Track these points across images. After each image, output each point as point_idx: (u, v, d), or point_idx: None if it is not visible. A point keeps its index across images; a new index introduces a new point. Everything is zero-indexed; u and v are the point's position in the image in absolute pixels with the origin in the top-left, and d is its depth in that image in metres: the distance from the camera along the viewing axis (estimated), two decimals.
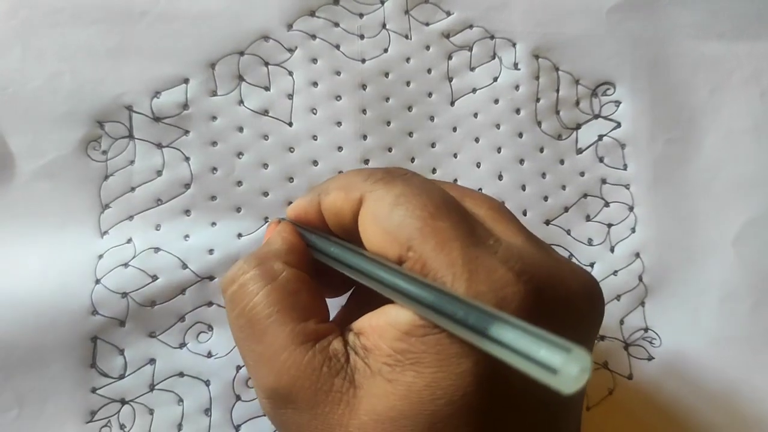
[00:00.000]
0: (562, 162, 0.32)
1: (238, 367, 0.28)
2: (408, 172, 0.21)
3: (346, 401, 0.18)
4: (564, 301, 0.19)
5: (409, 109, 0.31)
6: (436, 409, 0.17)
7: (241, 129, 0.30)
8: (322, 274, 0.23)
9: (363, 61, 0.31)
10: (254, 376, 0.20)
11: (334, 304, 0.24)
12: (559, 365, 0.13)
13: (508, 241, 0.19)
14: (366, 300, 0.23)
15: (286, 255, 0.22)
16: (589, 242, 0.32)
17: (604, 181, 0.32)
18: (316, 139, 0.30)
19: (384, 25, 0.31)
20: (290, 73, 0.30)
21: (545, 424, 0.19)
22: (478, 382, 0.17)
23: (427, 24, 0.32)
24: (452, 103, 0.32)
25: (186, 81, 0.29)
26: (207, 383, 0.28)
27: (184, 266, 0.28)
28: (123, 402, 0.27)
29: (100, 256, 0.28)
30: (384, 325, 0.18)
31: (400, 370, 0.18)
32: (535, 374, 0.14)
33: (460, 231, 0.18)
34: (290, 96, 0.30)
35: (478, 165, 0.31)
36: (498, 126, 0.32)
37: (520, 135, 0.32)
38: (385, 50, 0.31)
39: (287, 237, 0.22)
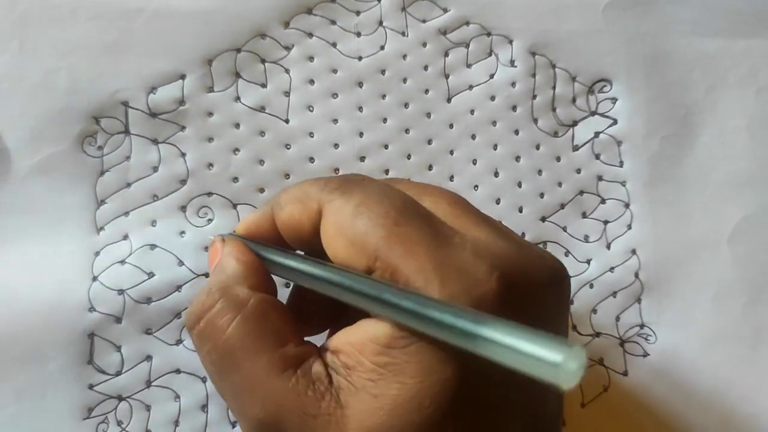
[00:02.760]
0: (558, 159, 0.32)
1: None
2: (365, 178, 0.21)
3: (335, 422, 0.18)
4: (536, 289, 0.19)
5: (406, 106, 0.31)
6: (424, 418, 0.17)
7: (237, 125, 0.30)
8: (296, 308, 0.22)
9: (359, 58, 0.31)
10: (236, 408, 0.20)
11: None
12: (560, 361, 0.13)
13: (474, 236, 0.19)
14: (342, 317, 0.23)
15: (248, 279, 0.21)
16: (586, 239, 0.32)
17: (600, 178, 0.32)
18: (312, 136, 0.30)
19: (381, 23, 0.31)
20: (287, 71, 0.30)
21: (528, 414, 0.19)
22: (462, 387, 0.17)
23: (424, 21, 0.32)
24: (449, 100, 0.32)
25: (182, 77, 0.29)
26: (203, 380, 0.28)
27: (180, 263, 0.28)
28: (120, 398, 0.27)
29: (97, 253, 0.28)
30: (363, 341, 0.18)
31: (384, 383, 0.17)
32: (535, 372, 0.14)
33: (426, 234, 0.18)
34: (287, 93, 0.30)
35: (474, 162, 0.31)
36: (494, 123, 0.32)
37: (517, 132, 0.32)
38: (382, 47, 0.31)
39: (242, 258, 0.21)
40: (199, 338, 0.20)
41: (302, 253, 0.21)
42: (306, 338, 0.21)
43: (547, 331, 0.15)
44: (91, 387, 0.27)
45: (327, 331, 0.25)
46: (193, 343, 0.21)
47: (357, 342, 0.18)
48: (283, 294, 0.23)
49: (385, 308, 0.17)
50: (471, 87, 0.32)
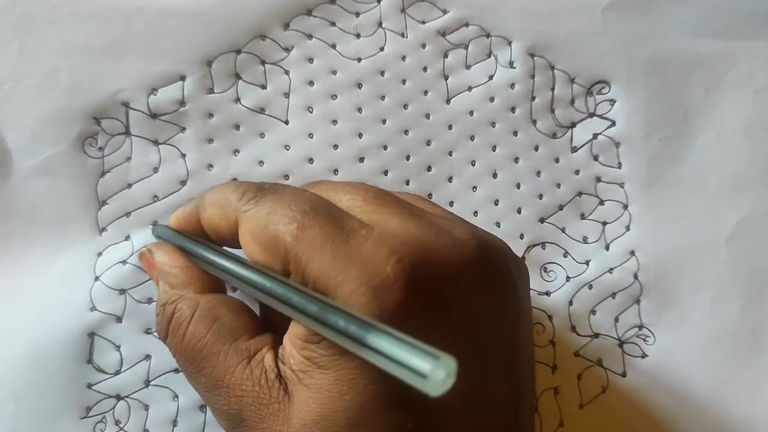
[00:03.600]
0: (557, 160, 0.32)
1: None
2: (278, 185, 0.22)
3: (283, 411, 0.19)
4: (444, 272, 0.19)
5: (405, 107, 0.31)
6: (347, 405, 0.18)
7: (237, 126, 0.30)
8: (267, 318, 0.23)
9: (359, 60, 0.31)
10: (209, 405, 0.21)
11: None
12: (428, 372, 0.14)
13: (383, 227, 0.19)
14: None
15: (190, 285, 0.22)
16: (584, 240, 0.32)
17: (598, 180, 0.32)
18: (312, 137, 0.30)
19: (380, 24, 0.31)
20: (286, 72, 0.31)
21: (463, 398, 0.18)
22: (377, 372, 0.17)
23: (423, 22, 0.32)
24: (448, 101, 0.32)
25: (183, 78, 0.30)
26: None
27: None
28: (118, 398, 0.27)
29: (100, 254, 0.28)
30: (292, 336, 0.19)
31: (311, 374, 0.19)
32: (408, 380, 0.15)
33: (330, 233, 0.19)
34: (286, 94, 0.30)
35: (473, 163, 0.31)
36: (493, 124, 0.32)
37: (515, 133, 0.32)
38: (381, 49, 0.31)
39: (177, 264, 0.23)
40: (170, 347, 0.22)
41: (228, 251, 0.22)
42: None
43: (463, 316, 0.17)
44: (89, 386, 0.27)
45: None
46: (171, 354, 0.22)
47: (291, 336, 0.20)
48: None
49: (292, 311, 0.18)
50: (470, 88, 0.32)
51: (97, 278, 0.28)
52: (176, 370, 0.28)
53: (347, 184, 0.22)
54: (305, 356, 0.19)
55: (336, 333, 0.17)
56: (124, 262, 0.28)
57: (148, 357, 0.28)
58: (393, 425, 0.18)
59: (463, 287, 0.19)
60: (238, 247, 0.22)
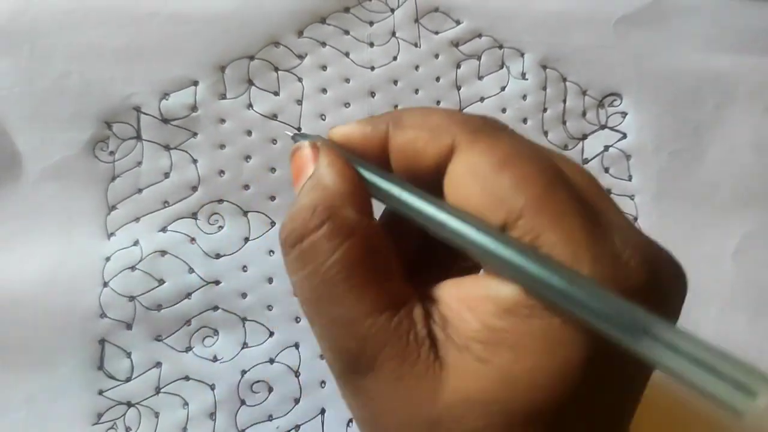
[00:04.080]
0: None
1: (243, 372, 0.28)
2: (508, 127, 0.19)
3: (432, 375, 0.16)
4: (669, 286, 0.17)
5: None
6: (534, 396, 0.15)
7: (249, 133, 0.30)
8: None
9: (372, 68, 0.31)
10: (328, 338, 0.18)
11: None
12: (758, 391, 0.12)
13: (617, 222, 0.17)
14: (433, 261, 0.21)
15: (356, 201, 0.18)
16: None
17: (609, 192, 0.32)
18: None
19: (394, 33, 0.31)
20: (300, 79, 0.31)
21: (632, 407, 0.18)
22: (585, 372, 0.15)
23: (437, 33, 0.32)
24: (460, 112, 0.32)
25: (195, 83, 0.29)
26: (212, 387, 0.28)
27: (191, 270, 0.28)
28: (129, 405, 0.27)
29: (108, 259, 0.28)
30: (479, 298, 0.16)
31: (493, 349, 0.16)
32: (718, 396, 0.12)
33: (577, 207, 0.16)
34: (299, 101, 0.30)
35: None
36: None
37: None
38: (395, 58, 0.31)
39: (347, 173, 0.18)
40: (299, 260, 0.18)
41: (416, 188, 0.18)
42: None
43: None
44: (100, 392, 0.27)
45: None
46: (287, 264, 0.18)
47: (469, 298, 0.17)
48: None
49: (523, 274, 0.16)
50: (482, 99, 0.32)
51: (105, 284, 0.28)
52: (186, 378, 0.28)
53: (565, 159, 0.19)
54: (493, 326, 0.16)
55: (595, 315, 0.14)
56: (132, 267, 0.28)
57: (158, 364, 0.28)
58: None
59: (674, 304, 0.18)
60: (427, 185, 0.18)
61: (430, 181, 0.18)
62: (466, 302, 0.17)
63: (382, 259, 0.18)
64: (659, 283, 0.16)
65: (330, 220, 0.17)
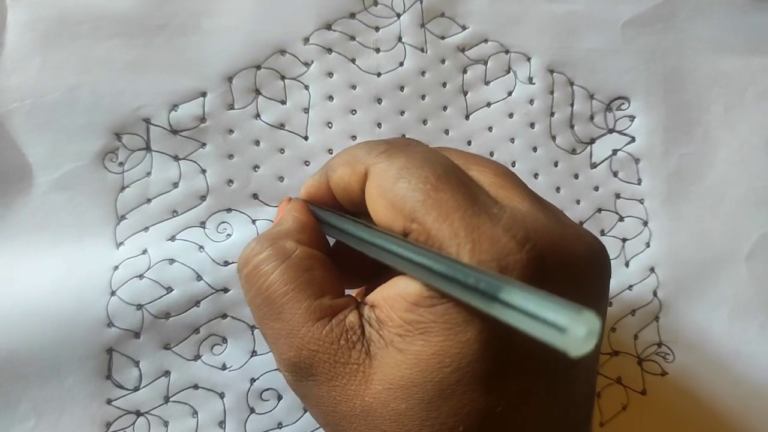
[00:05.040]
0: (576, 176, 0.32)
1: (252, 380, 0.28)
2: (411, 142, 0.22)
3: (362, 372, 0.19)
4: (568, 265, 0.19)
5: (424, 122, 0.31)
6: (443, 376, 0.18)
7: (257, 142, 0.30)
8: (344, 262, 0.23)
9: (378, 74, 0.31)
10: (275, 351, 0.21)
11: None
12: (567, 326, 0.13)
13: (513, 207, 0.19)
14: (383, 274, 0.23)
15: (298, 233, 0.22)
16: None
17: (618, 196, 0.32)
18: (331, 153, 0.30)
19: (400, 39, 0.31)
20: (306, 87, 0.31)
21: (552, 388, 0.19)
22: (483, 349, 0.17)
23: (443, 38, 0.32)
24: (467, 117, 0.32)
25: (203, 94, 0.30)
26: (221, 396, 0.28)
27: (199, 278, 0.28)
28: (138, 414, 0.27)
29: (116, 268, 0.28)
30: (394, 297, 0.19)
31: (410, 339, 0.18)
32: (544, 336, 0.14)
33: (463, 201, 0.19)
34: (306, 110, 0.31)
35: None
36: (512, 140, 0.32)
37: (535, 149, 0.32)
38: (401, 64, 0.31)
39: (297, 216, 0.23)
40: (247, 281, 0.21)
41: (350, 216, 0.22)
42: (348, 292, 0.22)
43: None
44: (109, 402, 0.27)
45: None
46: (242, 286, 0.22)
47: (389, 297, 0.19)
48: None
49: (415, 269, 0.18)
50: (489, 104, 0.32)
51: (113, 293, 0.28)
52: (195, 387, 0.28)
53: (477, 156, 0.22)
54: (407, 319, 0.18)
55: (465, 289, 0.16)
56: (141, 276, 0.28)
57: (167, 373, 0.28)
58: (483, 405, 0.18)
59: (581, 283, 0.19)
60: (365, 210, 0.21)
61: (365, 206, 0.21)
62: (388, 302, 0.19)
63: (316, 278, 0.21)
64: (545, 261, 0.18)
65: (271, 247, 0.21)
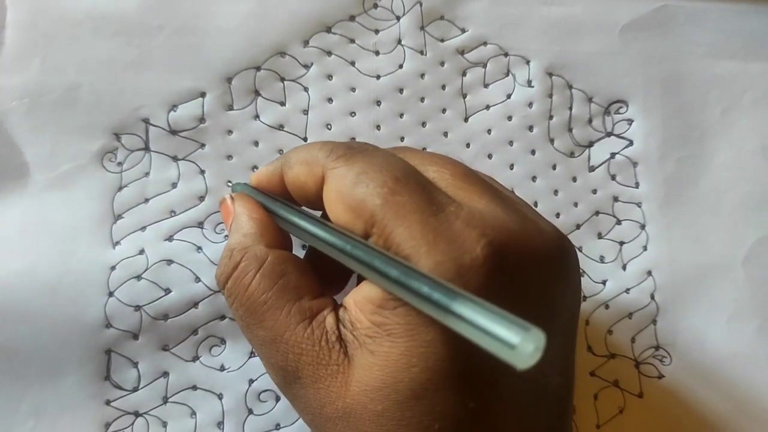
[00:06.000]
0: (574, 179, 0.32)
1: (251, 381, 0.28)
2: (369, 146, 0.22)
3: (342, 373, 0.19)
4: (527, 261, 0.19)
5: (423, 124, 0.31)
6: (413, 376, 0.18)
7: (256, 143, 0.30)
8: (317, 267, 0.23)
9: (378, 77, 0.31)
10: (263, 358, 0.22)
11: None
12: (516, 343, 0.14)
13: (471, 206, 0.19)
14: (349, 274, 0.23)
15: (263, 236, 0.22)
16: (601, 260, 0.32)
17: (616, 199, 0.32)
18: None
19: (399, 41, 0.32)
20: (305, 89, 0.31)
21: (521, 383, 0.19)
22: (448, 348, 0.18)
23: (442, 40, 0.32)
24: (466, 120, 0.32)
25: (203, 95, 0.30)
26: (220, 396, 0.28)
27: (197, 280, 0.29)
28: (137, 414, 0.27)
29: (113, 268, 0.28)
30: (361, 299, 0.19)
31: (379, 341, 0.18)
32: (493, 350, 0.14)
33: (420, 203, 0.19)
34: (305, 111, 0.31)
35: None
36: (511, 143, 0.32)
37: (533, 152, 0.32)
38: (400, 66, 0.31)
39: (255, 216, 0.23)
40: (228, 296, 0.22)
41: (305, 210, 0.22)
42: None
43: (540, 306, 0.16)
44: (108, 403, 0.27)
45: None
46: (225, 299, 0.22)
47: (358, 300, 0.19)
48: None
49: (373, 274, 0.18)
50: (488, 107, 0.32)
51: (111, 294, 0.28)
52: (194, 388, 0.28)
53: (434, 155, 0.22)
54: (375, 321, 0.19)
55: (419, 298, 0.16)
56: (138, 277, 0.28)
57: (165, 374, 0.28)
58: (455, 403, 0.18)
59: (544, 278, 0.19)
60: (320, 208, 0.22)
61: (320, 206, 0.21)
62: (358, 305, 0.19)
63: (292, 281, 0.21)
64: (503, 257, 0.18)
65: (243, 259, 0.21)
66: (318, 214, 0.23)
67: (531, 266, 0.19)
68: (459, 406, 0.18)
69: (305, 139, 0.30)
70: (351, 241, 0.19)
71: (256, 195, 0.24)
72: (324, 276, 0.23)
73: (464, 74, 0.32)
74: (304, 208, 0.23)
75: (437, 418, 0.18)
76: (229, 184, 0.28)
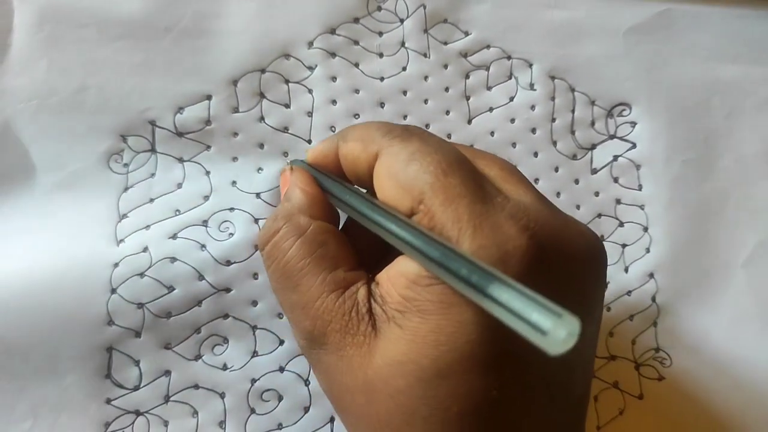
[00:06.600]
0: (576, 182, 0.32)
1: (253, 381, 0.28)
2: (424, 130, 0.22)
3: (367, 344, 0.20)
4: (567, 258, 0.19)
5: (427, 126, 0.32)
6: (439, 354, 0.18)
7: (261, 145, 0.30)
8: (357, 239, 0.23)
9: (381, 79, 0.31)
10: (292, 321, 0.22)
11: None
12: (549, 328, 0.14)
13: (517, 199, 0.20)
14: (393, 252, 0.24)
15: (309, 208, 0.23)
16: None
17: (618, 202, 0.32)
18: None
19: (403, 44, 0.32)
20: (310, 91, 0.31)
21: (548, 385, 0.19)
22: (480, 331, 0.18)
23: (446, 43, 0.32)
24: (469, 122, 0.32)
25: (209, 97, 0.30)
26: (222, 396, 0.28)
27: (201, 278, 0.29)
28: (138, 413, 0.27)
29: (116, 265, 0.28)
30: (395, 274, 0.20)
31: (408, 316, 0.19)
32: (526, 334, 0.15)
33: (469, 188, 0.19)
34: (310, 113, 0.31)
35: None
36: (514, 145, 0.32)
37: (536, 154, 0.32)
38: (404, 68, 0.32)
39: (306, 189, 0.24)
40: (266, 258, 0.23)
41: (355, 188, 0.23)
42: None
43: (574, 303, 0.16)
44: (108, 401, 0.27)
45: None
46: (263, 262, 0.23)
47: (390, 275, 0.20)
48: None
49: (413, 251, 0.18)
50: (491, 109, 0.32)
51: (113, 291, 0.28)
52: (196, 387, 0.28)
53: (483, 152, 0.23)
54: (406, 296, 0.19)
55: (457, 279, 0.17)
56: (141, 274, 0.28)
57: (167, 373, 0.28)
58: (479, 388, 0.18)
59: (580, 277, 0.20)
60: (368, 185, 0.22)
61: (369, 183, 0.22)
62: (391, 280, 0.20)
63: (330, 251, 0.22)
64: (545, 252, 0.18)
65: (286, 225, 0.22)
66: (364, 192, 0.24)
67: (570, 264, 0.19)
68: (482, 392, 0.18)
69: (309, 141, 0.31)
70: (395, 219, 0.19)
71: (312, 171, 0.25)
72: (362, 251, 0.23)
73: (467, 77, 0.32)
74: (353, 187, 0.24)
75: (458, 401, 0.18)
76: (288, 161, 0.29)
